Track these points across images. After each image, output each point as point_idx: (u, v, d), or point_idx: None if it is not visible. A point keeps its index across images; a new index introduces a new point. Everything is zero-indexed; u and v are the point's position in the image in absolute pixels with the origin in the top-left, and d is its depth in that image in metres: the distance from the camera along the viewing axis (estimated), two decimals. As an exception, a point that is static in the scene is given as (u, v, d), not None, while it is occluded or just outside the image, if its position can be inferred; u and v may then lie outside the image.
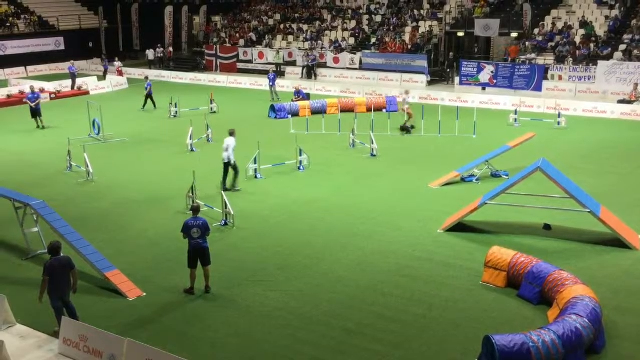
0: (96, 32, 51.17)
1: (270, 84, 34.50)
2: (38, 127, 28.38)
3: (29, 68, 44.64)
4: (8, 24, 45.55)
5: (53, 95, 35.79)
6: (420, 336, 11.24)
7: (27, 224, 14.73)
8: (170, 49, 48.20)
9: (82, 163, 20.82)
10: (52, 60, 45.97)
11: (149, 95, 31.87)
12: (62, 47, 47.59)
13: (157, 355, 9.76)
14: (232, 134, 19.39)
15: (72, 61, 39.94)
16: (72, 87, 38.00)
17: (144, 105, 32.13)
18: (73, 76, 38.42)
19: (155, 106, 32.07)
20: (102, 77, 40.66)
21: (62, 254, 11.21)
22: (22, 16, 47.09)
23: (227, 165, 18.88)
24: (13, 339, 11.17)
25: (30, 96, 28.53)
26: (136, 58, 50.18)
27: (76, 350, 10.65)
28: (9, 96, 34.83)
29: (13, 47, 45.01)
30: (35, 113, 28.32)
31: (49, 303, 11.10)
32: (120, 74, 41.48)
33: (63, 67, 44.57)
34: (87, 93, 37.15)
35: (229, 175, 19.00)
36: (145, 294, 12.86)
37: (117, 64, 42.39)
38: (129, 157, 23.41)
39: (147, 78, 33.38)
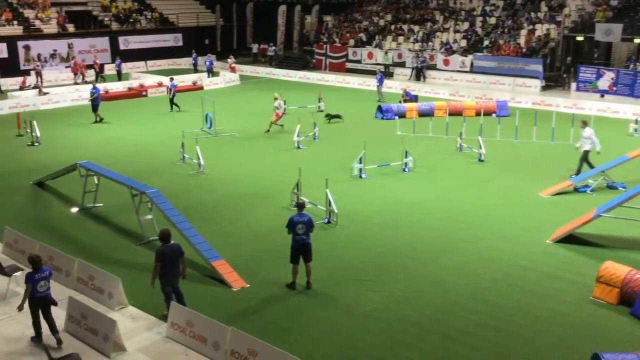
0: (212, 29, 52.95)
1: (378, 84, 34.48)
2: (96, 121, 28.88)
3: (149, 63, 46.71)
4: (131, 20, 47.91)
5: (170, 90, 37.27)
6: (523, 348, 10.89)
7: (142, 211, 15.45)
8: (264, 45, 49.53)
9: (194, 155, 21.60)
10: (171, 55, 47.89)
11: (172, 97, 31.36)
12: (180, 43, 49.54)
13: (258, 346, 9.97)
14: (587, 123, 20.47)
15: (209, 54, 43.67)
16: (208, 76, 40.86)
17: (171, 108, 31.26)
18: (209, 69, 41.23)
19: (178, 109, 31.18)
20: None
21: (172, 242, 11.68)
22: (145, 13, 49.41)
23: (586, 152, 20.03)
24: (125, 320, 11.75)
25: (92, 90, 29.38)
26: (249, 55, 51.55)
27: (182, 335, 11.06)
28: (129, 89, 36.63)
29: (135, 42, 47.28)
30: (94, 107, 28.94)
31: (159, 288, 11.59)
32: (234, 70, 42.70)
33: (180, 62, 46.46)
34: (201, 88, 38.49)
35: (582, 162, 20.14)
36: (248, 285, 13.17)
37: (230, 60, 43.66)
38: (237, 152, 24.04)
39: (172, 79, 33.38)
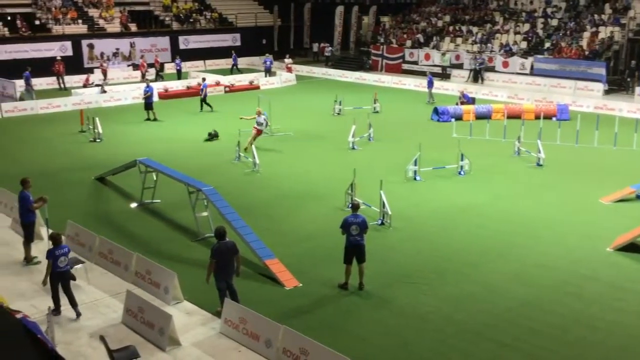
0: (270, 29, 53.42)
1: (428, 86, 34.24)
2: (148, 119, 29.34)
3: (207, 62, 47.42)
4: (191, 20, 48.75)
5: (227, 89, 37.80)
6: (580, 358, 10.62)
7: (198, 208, 15.70)
8: (324, 44, 49.87)
9: (249, 154, 21.79)
10: (229, 55, 48.37)
11: (204, 97, 31.50)
12: (238, 43, 50.10)
13: (310, 345, 10.02)
14: None
15: (267, 54, 44.22)
16: (265, 76, 41.40)
17: (201, 107, 31.49)
18: (268, 69, 41.87)
19: (202, 108, 31.36)
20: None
21: (227, 239, 11.83)
22: (204, 13, 50.20)
23: None
24: (180, 315, 11.96)
25: (145, 89, 29.85)
26: (305, 55, 51.79)
27: (235, 332, 11.20)
28: (188, 87, 37.26)
29: (195, 42, 48.07)
30: (148, 106, 29.40)
31: (214, 284, 11.76)
32: (290, 70, 42.97)
33: (238, 62, 46.92)
34: (257, 87, 38.85)
35: None
36: (301, 284, 13.24)
37: (288, 60, 43.95)
38: (292, 151, 24.16)
39: (204, 79, 33.47)
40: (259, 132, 23.50)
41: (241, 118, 24.95)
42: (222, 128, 27.64)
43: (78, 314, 11.90)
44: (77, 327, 11.65)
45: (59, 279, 11.80)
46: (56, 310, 11.90)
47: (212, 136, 25.86)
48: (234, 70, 43.48)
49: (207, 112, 31.31)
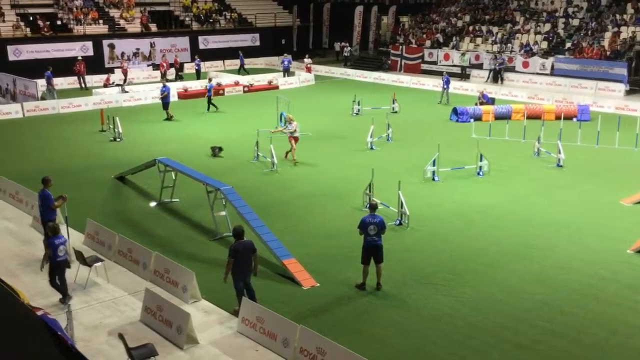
0: (289, 29, 53.50)
1: (445, 86, 34.08)
2: (168, 119, 29.59)
3: (227, 62, 47.58)
4: (211, 20, 48.97)
5: (246, 89, 37.92)
6: (599, 361, 10.55)
7: (217, 208, 15.78)
8: (344, 43, 49.80)
9: (268, 154, 21.88)
10: (247, 55, 48.56)
11: (209, 97, 31.68)
12: (257, 43, 50.26)
13: (327, 345, 10.03)
14: None
15: (285, 54, 43.96)
16: (284, 76, 41.41)
17: (208, 108, 31.53)
18: (286, 68, 41.90)
19: (216, 108, 31.42)
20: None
21: (245, 238, 11.87)
22: (224, 13, 50.40)
23: None
24: (198, 313, 12.04)
25: (162, 89, 30.16)
26: (324, 55, 51.75)
27: (253, 330, 11.25)
28: (206, 87, 37.41)
29: (214, 42, 48.28)
30: (165, 106, 29.65)
31: (232, 283, 11.81)
32: (309, 70, 43.00)
33: (257, 62, 47.12)
34: (276, 87, 38.94)
35: None
36: (318, 284, 13.25)
37: (307, 60, 43.97)
38: (311, 151, 24.12)
39: (210, 80, 33.46)
40: (296, 139, 22.32)
41: (272, 132, 23.51)
42: (239, 128, 27.80)
43: (63, 301, 12.38)
44: (96, 324, 11.76)
45: (58, 269, 12.22)
46: (65, 297, 12.37)
47: (217, 152, 23.53)
48: (241, 71, 43.44)
49: (221, 112, 31.43)
